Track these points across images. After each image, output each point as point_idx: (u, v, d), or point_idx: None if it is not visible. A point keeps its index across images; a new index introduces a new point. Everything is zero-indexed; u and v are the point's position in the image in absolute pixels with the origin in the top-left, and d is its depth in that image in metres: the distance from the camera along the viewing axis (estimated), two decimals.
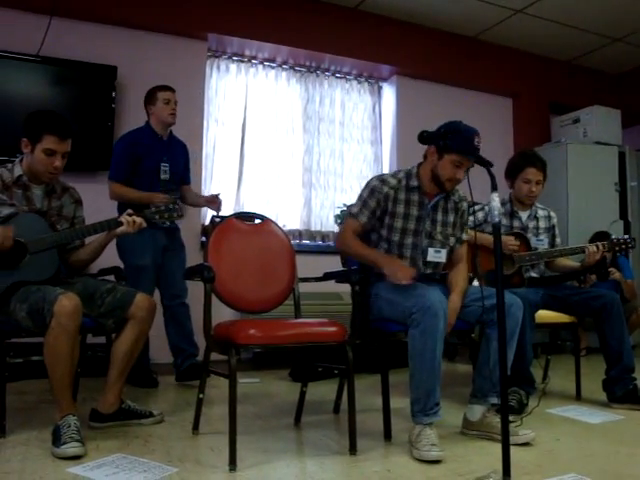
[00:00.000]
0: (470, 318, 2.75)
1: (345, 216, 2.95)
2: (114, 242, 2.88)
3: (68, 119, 2.80)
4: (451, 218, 2.89)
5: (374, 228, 2.86)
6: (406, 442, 2.52)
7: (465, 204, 2.95)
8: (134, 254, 3.77)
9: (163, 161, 3.93)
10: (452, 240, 2.89)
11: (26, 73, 4.49)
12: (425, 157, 2.84)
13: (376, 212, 2.81)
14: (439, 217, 2.86)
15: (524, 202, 3.66)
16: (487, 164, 2.42)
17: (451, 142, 2.64)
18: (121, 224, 2.75)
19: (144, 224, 2.82)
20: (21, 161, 2.78)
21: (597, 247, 3.51)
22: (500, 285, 2.06)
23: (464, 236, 2.96)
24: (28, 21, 4.55)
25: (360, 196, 2.86)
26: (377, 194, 2.79)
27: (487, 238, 3.31)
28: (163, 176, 3.91)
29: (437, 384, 2.46)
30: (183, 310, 4.01)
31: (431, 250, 2.82)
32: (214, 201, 4.08)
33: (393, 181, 2.82)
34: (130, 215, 2.78)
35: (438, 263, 2.86)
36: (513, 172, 3.64)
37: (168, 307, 4.00)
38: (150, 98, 3.99)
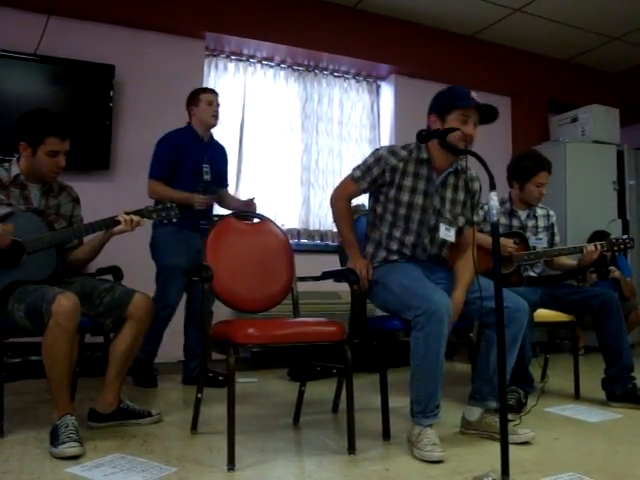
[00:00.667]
0: (473, 316, 2.68)
1: (347, 176, 2.88)
2: (114, 242, 2.86)
3: (64, 117, 2.82)
4: (461, 196, 2.80)
5: (378, 200, 2.82)
6: (405, 441, 2.52)
7: (478, 184, 2.86)
8: (168, 254, 3.73)
9: (204, 162, 3.91)
10: (461, 220, 2.81)
11: (23, 72, 4.49)
12: (428, 128, 2.75)
13: (377, 181, 2.76)
14: (448, 194, 2.77)
15: (532, 204, 3.65)
16: (492, 110, 2.56)
17: (448, 101, 2.67)
18: (118, 223, 2.74)
19: (142, 223, 2.81)
20: (18, 160, 2.78)
21: (595, 247, 3.51)
22: (499, 285, 2.05)
23: (475, 218, 2.85)
24: (25, 20, 4.54)
25: (365, 161, 2.81)
26: (383, 164, 2.73)
27: (486, 239, 3.29)
28: (205, 177, 3.90)
29: (439, 386, 2.43)
30: (209, 318, 3.94)
31: (442, 227, 2.73)
32: (250, 204, 4.03)
33: (403, 153, 2.75)
34: (127, 214, 2.78)
35: (444, 243, 2.78)
36: (524, 176, 3.60)
37: (195, 311, 3.93)
38: (192, 99, 3.99)
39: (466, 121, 2.63)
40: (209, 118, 3.95)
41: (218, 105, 4.00)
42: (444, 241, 2.77)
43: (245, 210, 4.04)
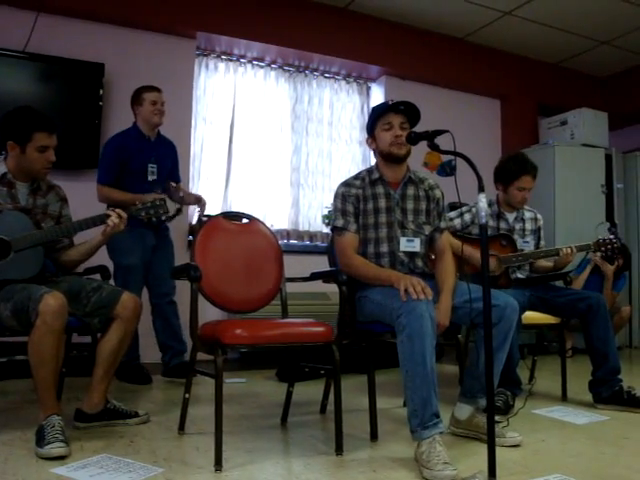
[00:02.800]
0: (463, 320, 2.66)
1: (333, 235, 2.87)
2: None
3: (53, 116, 2.81)
4: (423, 206, 2.83)
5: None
6: (392, 442, 2.52)
7: (439, 191, 2.90)
8: (123, 254, 3.80)
9: (150, 162, 3.93)
10: (427, 229, 2.83)
11: (12, 69, 4.45)
12: (375, 153, 2.89)
13: (358, 215, 2.78)
14: (410, 206, 2.80)
15: (515, 207, 3.66)
16: (407, 106, 2.64)
17: (371, 120, 2.81)
18: (105, 221, 2.73)
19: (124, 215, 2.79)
20: (5, 159, 2.76)
21: (571, 249, 3.54)
22: (487, 288, 2.06)
23: (442, 224, 2.88)
24: (15, 17, 4.51)
25: (336, 208, 2.81)
26: (349, 198, 2.77)
27: (472, 254, 3.33)
28: (150, 177, 3.92)
29: (432, 392, 2.28)
30: (171, 308, 4.03)
31: (403, 240, 2.75)
32: (200, 199, 4.12)
33: (357, 182, 2.82)
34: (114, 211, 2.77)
35: (414, 253, 2.78)
36: (507, 178, 3.59)
37: (156, 305, 4.03)
38: (136, 99, 3.98)
39: (390, 127, 2.73)
40: (153, 117, 3.95)
41: (163, 103, 4.00)
42: (413, 252, 2.78)
43: (196, 204, 4.15)
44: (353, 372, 3.93)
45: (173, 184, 4.12)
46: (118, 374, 3.61)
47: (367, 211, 2.78)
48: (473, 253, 3.34)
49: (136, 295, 3.67)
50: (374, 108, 2.90)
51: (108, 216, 2.73)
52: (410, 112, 2.75)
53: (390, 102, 2.75)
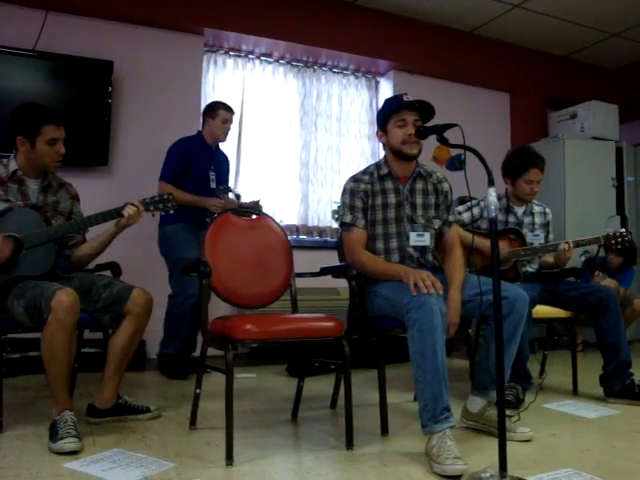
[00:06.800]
0: (474, 313, 2.66)
1: (342, 233, 2.85)
2: (122, 238, 2.85)
3: (62, 113, 2.84)
4: (432, 200, 2.82)
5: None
6: (402, 436, 2.52)
7: (447, 185, 2.89)
8: (182, 247, 3.88)
9: (211, 170, 4.16)
10: (437, 223, 2.82)
11: (22, 68, 4.46)
12: (384, 146, 2.86)
13: (367, 210, 2.77)
14: (419, 200, 2.79)
15: (524, 200, 3.65)
16: (423, 104, 2.62)
17: (384, 114, 2.76)
18: (122, 215, 2.74)
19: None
20: (16, 156, 2.77)
21: (568, 245, 3.50)
22: (497, 280, 2.05)
23: (451, 217, 2.87)
24: (24, 15, 4.52)
25: (344, 204, 2.80)
26: (358, 193, 2.76)
27: (482, 243, 3.33)
28: (212, 184, 4.13)
29: (443, 386, 2.28)
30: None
31: (413, 234, 2.74)
32: (255, 207, 4.07)
33: (365, 177, 2.80)
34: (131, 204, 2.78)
35: (424, 247, 2.77)
36: (515, 172, 3.59)
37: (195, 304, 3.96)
38: (211, 112, 4.22)
39: (404, 125, 2.69)
40: (220, 135, 4.24)
41: (231, 123, 4.24)
42: (423, 246, 2.77)
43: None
44: (363, 367, 3.94)
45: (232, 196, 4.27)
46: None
47: (376, 207, 2.76)
48: (484, 244, 3.33)
49: (197, 285, 3.67)
50: (387, 102, 2.83)
51: (122, 214, 2.73)
52: (424, 109, 2.72)
53: (405, 98, 2.69)
